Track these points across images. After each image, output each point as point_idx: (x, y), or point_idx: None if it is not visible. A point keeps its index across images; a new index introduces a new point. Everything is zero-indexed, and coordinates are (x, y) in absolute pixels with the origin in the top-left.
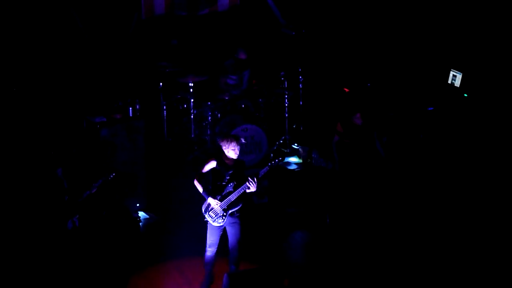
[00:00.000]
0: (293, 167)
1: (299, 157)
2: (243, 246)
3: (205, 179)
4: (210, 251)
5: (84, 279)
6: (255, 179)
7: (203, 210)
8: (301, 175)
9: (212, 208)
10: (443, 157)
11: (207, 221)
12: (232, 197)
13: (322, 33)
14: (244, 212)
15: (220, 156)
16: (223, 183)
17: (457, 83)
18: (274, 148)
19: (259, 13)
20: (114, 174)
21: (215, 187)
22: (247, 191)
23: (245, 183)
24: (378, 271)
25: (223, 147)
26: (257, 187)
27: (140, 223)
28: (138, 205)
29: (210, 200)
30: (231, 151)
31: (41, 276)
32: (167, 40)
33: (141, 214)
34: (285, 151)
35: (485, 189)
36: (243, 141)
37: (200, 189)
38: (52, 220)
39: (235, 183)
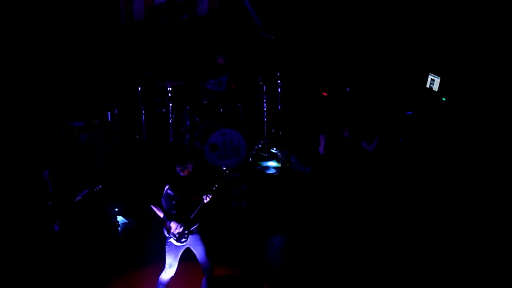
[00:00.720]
0: (271, 171)
1: (278, 162)
2: (212, 256)
3: (160, 202)
4: (171, 271)
5: (62, 284)
6: (209, 194)
7: (165, 233)
8: (280, 179)
9: (174, 230)
10: (422, 160)
11: (168, 242)
12: (191, 215)
13: (301, 37)
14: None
15: (174, 176)
16: (180, 203)
17: (435, 87)
18: (253, 152)
19: (238, 18)
20: (100, 186)
21: (173, 208)
22: (204, 202)
23: (201, 201)
24: (357, 273)
25: (178, 168)
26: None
27: (119, 228)
28: (116, 209)
29: (172, 224)
30: (186, 171)
31: (18, 280)
32: (146, 44)
33: (120, 218)
34: (264, 155)
35: (464, 191)
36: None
37: (160, 214)
38: (32, 224)
39: (192, 201)
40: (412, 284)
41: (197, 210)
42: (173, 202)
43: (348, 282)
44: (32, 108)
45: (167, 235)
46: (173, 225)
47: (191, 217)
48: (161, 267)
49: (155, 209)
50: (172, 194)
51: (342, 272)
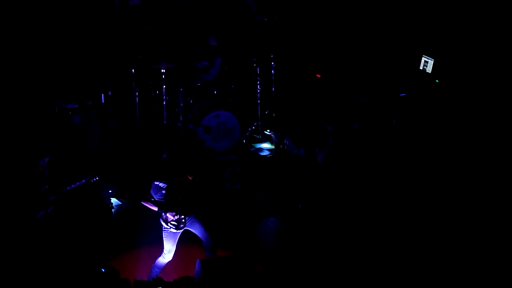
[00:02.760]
0: (265, 153)
1: (272, 143)
2: (213, 234)
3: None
4: (169, 256)
5: (55, 266)
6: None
7: (164, 225)
8: (274, 161)
9: (172, 219)
10: (415, 142)
11: (166, 230)
12: (183, 198)
13: (294, 19)
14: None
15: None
16: (170, 191)
17: (429, 69)
18: (247, 134)
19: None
20: (97, 178)
21: (164, 197)
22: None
23: (187, 179)
24: (349, 255)
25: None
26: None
27: (113, 210)
28: (110, 191)
29: (168, 214)
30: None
31: (10, 264)
32: (140, 26)
33: (114, 200)
34: (257, 137)
35: (458, 175)
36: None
37: (154, 208)
38: (23, 207)
39: (179, 183)
40: (405, 267)
41: (187, 191)
42: (163, 191)
43: (340, 263)
44: (26, 90)
45: (166, 226)
46: (169, 215)
47: (184, 200)
48: (155, 248)
49: (147, 204)
50: (160, 184)
51: (334, 254)
